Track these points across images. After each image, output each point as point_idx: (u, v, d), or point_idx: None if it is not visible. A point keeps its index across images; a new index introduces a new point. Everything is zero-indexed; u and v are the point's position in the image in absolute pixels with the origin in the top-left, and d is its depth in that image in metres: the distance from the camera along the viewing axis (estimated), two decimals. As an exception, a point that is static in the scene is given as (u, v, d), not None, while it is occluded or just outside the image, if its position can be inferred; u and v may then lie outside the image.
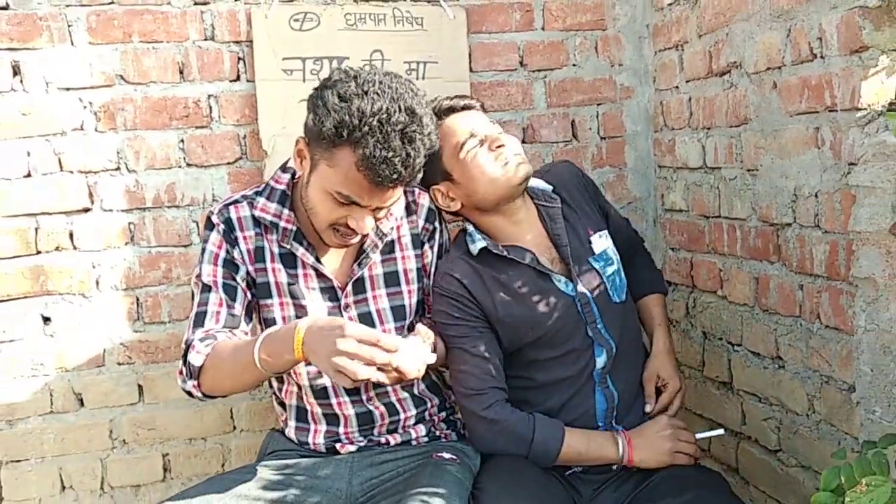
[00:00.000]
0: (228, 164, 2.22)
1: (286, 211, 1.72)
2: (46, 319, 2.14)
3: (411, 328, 1.79)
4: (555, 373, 1.80)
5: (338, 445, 1.77)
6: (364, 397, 1.78)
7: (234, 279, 1.71)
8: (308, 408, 1.79)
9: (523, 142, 2.40)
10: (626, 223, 2.09)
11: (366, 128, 1.49)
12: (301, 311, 1.73)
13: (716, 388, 2.23)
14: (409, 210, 1.84)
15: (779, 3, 1.78)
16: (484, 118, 1.85)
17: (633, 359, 1.88)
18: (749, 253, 2.01)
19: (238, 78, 2.21)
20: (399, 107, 1.52)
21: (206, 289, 1.69)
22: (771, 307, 1.93)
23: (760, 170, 1.92)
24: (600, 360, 1.81)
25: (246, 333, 1.69)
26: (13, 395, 2.13)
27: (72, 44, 2.10)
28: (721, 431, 1.92)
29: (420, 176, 1.64)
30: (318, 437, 1.78)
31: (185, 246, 2.21)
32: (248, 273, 1.72)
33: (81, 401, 2.18)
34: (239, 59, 2.20)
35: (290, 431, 1.82)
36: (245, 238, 1.73)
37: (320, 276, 1.74)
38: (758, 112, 1.91)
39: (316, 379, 1.75)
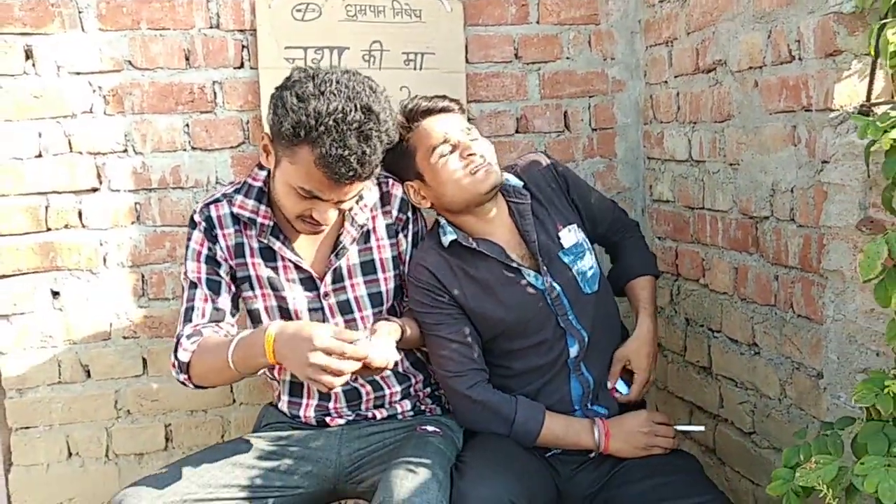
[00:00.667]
0: (231, 147, 2.30)
1: (263, 207, 1.80)
2: (55, 294, 2.23)
3: (392, 312, 1.89)
4: (530, 361, 1.88)
5: (328, 419, 1.87)
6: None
7: (218, 274, 1.81)
8: (300, 382, 1.88)
9: (517, 132, 2.48)
10: (614, 206, 2.12)
11: (322, 128, 1.57)
12: (282, 301, 1.83)
13: (696, 373, 2.32)
14: (384, 201, 1.91)
15: (761, 5, 1.85)
16: (461, 122, 1.89)
17: (608, 345, 1.96)
18: (730, 244, 2.09)
19: (242, 65, 2.28)
20: (355, 105, 1.60)
21: (193, 285, 1.80)
22: (748, 296, 2.02)
23: (741, 164, 2.00)
24: (573, 350, 1.88)
25: (232, 325, 1.81)
26: (23, 366, 2.23)
27: (82, 29, 2.18)
28: (702, 428, 2.03)
29: (377, 171, 1.72)
30: (308, 410, 1.88)
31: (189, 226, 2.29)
32: (230, 268, 1.83)
33: (88, 372, 2.28)
34: (243, 46, 2.28)
35: (283, 405, 1.92)
36: (224, 235, 1.82)
37: (298, 267, 1.83)
38: (740, 109, 1.98)
39: None
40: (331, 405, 1.88)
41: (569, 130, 2.52)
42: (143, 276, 2.28)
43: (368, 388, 1.88)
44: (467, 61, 2.41)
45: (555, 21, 2.46)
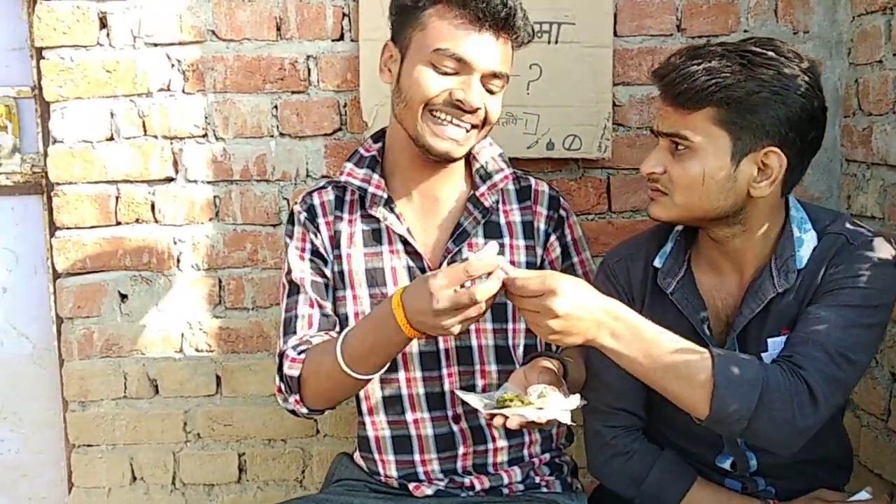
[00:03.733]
0: (325, 135, 1.95)
1: (376, 176, 1.52)
2: (123, 297, 1.97)
3: (512, 334, 1.50)
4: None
5: (412, 485, 1.47)
6: (450, 413, 1.49)
7: (324, 274, 1.51)
8: (370, 433, 1.51)
9: (674, 123, 1.99)
10: None
11: None
12: (381, 299, 1.46)
13: (903, 447, 1.76)
14: (522, 195, 1.58)
15: None
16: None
17: None
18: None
19: (342, 37, 1.93)
20: None
21: (294, 289, 1.50)
22: None
23: None
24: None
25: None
26: (86, 375, 1.99)
27: (163, -7, 1.89)
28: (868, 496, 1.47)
29: (528, 29, 1.44)
30: (389, 468, 1.49)
31: (273, 225, 1.97)
32: (331, 263, 1.50)
33: (156, 387, 2.01)
34: (344, 14, 1.92)
35: (358, 459, 1.55)
36: (327, 223, 1.53)
37: (409, 251, 1.50)
38: None
39: (388, 386, 1.49)
40: (417, 458, 1.49)
41: (742, 123, 2.00)
42: (219, 282, 1.98)
43: (467, 432, 1.49)
44: (616, 34, 1.95)
45: (732, -17, 1.95)
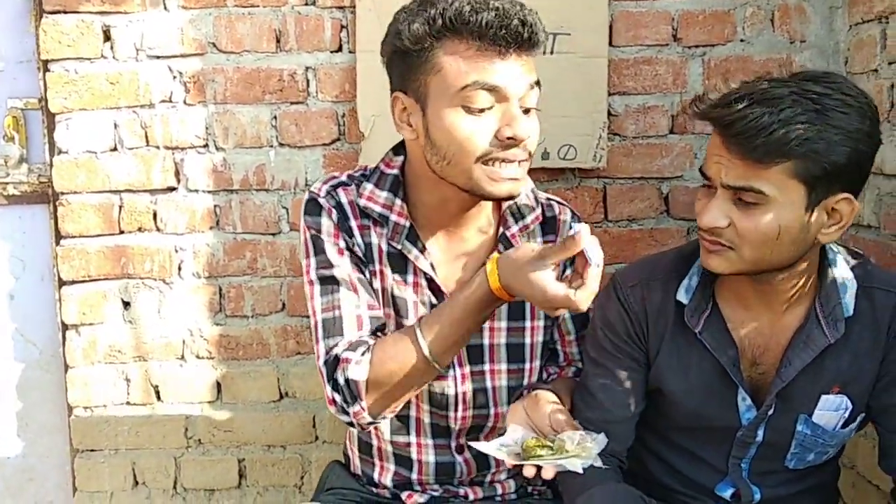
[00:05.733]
0: (324, 145, 1.98)
1: (398, 202, 1.38)
2: (126, 304, 2.01)
3: (527, 373, 1.45)
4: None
5: (404, 494, 1.48)
6: (453, 444, 1.46)
7: (364, 273, 1.38)
8: (374, 442, 1.49)
9: (671, 132, 1.99)
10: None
11: (456, 3, 1.23)
12: (400, 328, 1.39)
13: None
14: (547, 228, 1.47)
15: None
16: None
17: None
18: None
19: (340, 48, 1.95)
20: None
21: (331, 286, 1.35)
22: None
23: None
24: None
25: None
26: (90, 381, 2.02)
27: (164, 7, 1.92)
28: None
29: (545, 37, 1.29)
30: (385, 476, 1.50)
31: (272, 234, 1.99)
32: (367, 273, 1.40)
33: (158, 393, 2.04)
34: (342, 26, 1.94)
35: (355, 460, 1.55)
36: (360, 228, 1.38)
37: (433, 286, 1.39)
38: None
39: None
40: (414, 476, 1.48)
41: (739, 132, 2.00)
42: (220, 290, 2.01)
43: (472, 462, 1.47)
44: (611, 44, 1.95)
45: (728, -8, 1.95)
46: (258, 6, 1.93)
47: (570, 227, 1.21)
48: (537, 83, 1.30)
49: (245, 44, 1.94)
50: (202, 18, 1.93)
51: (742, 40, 1.97)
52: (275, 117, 1.97)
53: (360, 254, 1.38)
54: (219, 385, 2.04)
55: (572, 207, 1.52)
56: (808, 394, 1.31)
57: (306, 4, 1.93)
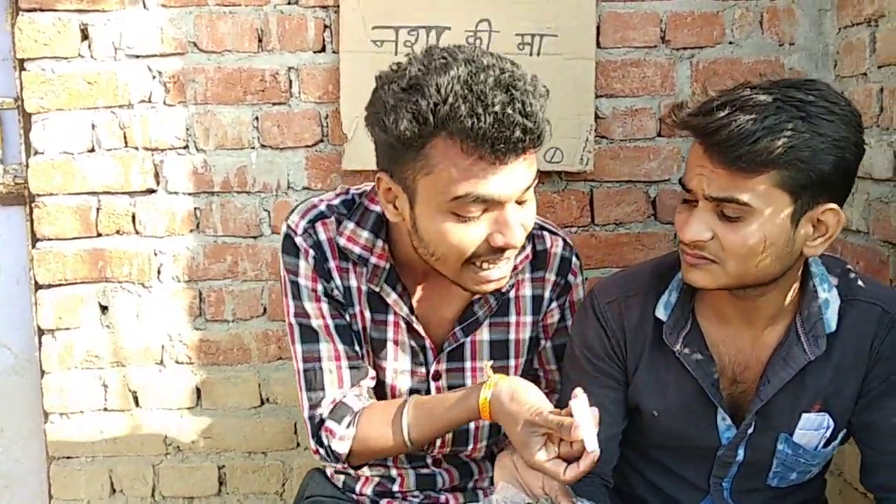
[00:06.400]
0: (307, 147, 1.94)
1: (380, 243, 1.32)
2: (104, 308, 1.97)
3: (512, 370, 1.43)
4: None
5: (384, 502, 1.45)
6: (429, 460, 1.45)
7: (343, 316, 1.35)
8: None
9: (659, 135, 1.97)
10: None
11: (451, 98, 1.09)
12: (380, 371, 1.38)
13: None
14: (537, 263, 1.41)
15: None
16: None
17: None
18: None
19: (323, 48, 1.92)
20: (481, 63, 1.13)
21: (310, 335, 1.33)
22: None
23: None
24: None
25: (373, 381, 1.36)
26: (66, 387, 1.98)
27: (144, 6, 1.89)
28: None
29: (547, 132, 1.15)
30: (366, 487, 1.47)
31: (253, 237, 1.96)
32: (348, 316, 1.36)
33: (136, 399, 2.00)
34: (325, 26, 1.91)
35: (332, 472, 1.52)
36: (339, 269, 1.33)
37: (412, 331, 1.36)
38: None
39: None
40: (395, 487, 1.46)
41: (727, 135, 1.98)
42: (200, 294, 1.97)
43: (454, 472, 1.46)
44: (599, 45, 1.93)
45: (716, -6, 1.93)
46: (240, 5, 1.89)
47: (572, 399, 1.13)
48: (537, 173, 1.20)
49: (226, 43, 1.91)
50: (182, 17, 1.89)
51: (731, 42, 1.95)
52: (256, 118, 1.93)
53: (340, 297, 1.34)
54: (198, 391, 2.00)
55: (565, 236, 1.45)
56: (788, 412, 1.27)
57: (289, 3, 1.90)
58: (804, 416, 1.27)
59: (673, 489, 1.38)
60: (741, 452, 1.31)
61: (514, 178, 1.15)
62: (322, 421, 1.31)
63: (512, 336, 1.41)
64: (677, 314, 1.29)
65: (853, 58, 1.85)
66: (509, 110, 1.09)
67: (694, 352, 1.28)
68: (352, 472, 1.45)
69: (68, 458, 2.01)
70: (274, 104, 1.93)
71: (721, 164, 1.12)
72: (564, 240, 1.44)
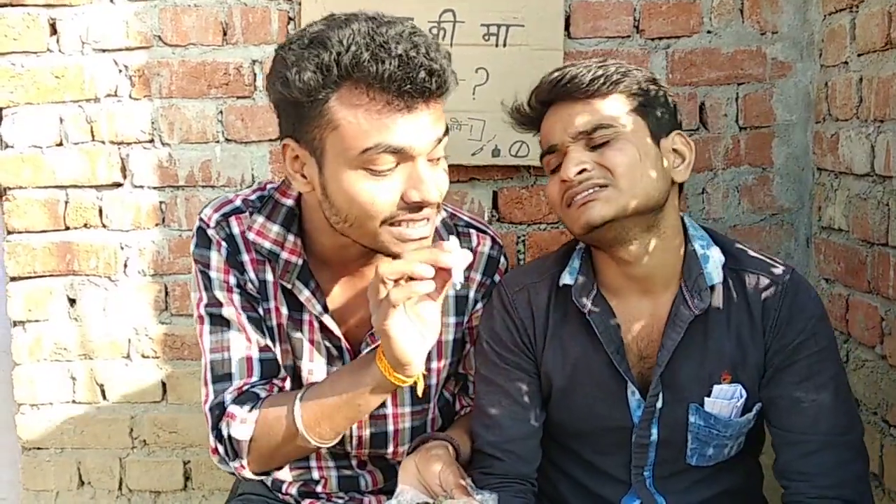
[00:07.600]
0: (271, 141, 1.92)
1: (291, 237, 1.28)
2: (72, 301, 1.98)
3: (435, 372, 1.38)
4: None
5: (306, 502, 1.42)
6: (354, 462, 1.41)
7: (256, 310, 1.30)
8: None
9: (633, 129, 1.89)
10: None
11: (353, 47, 1.07)
12: (298, 371, 1.33)
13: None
14: None
15: None
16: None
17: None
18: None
19: (287, 41, 1.90)
20: (382, 20, 1.13)
21: (221, 324, 1.28)
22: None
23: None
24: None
25: (284, 380, 1.32)
26: (36, 379, 1.99)
27: (110, 0, 1.89)
28: None
29: (453, 81, 1.14)
30: (291, 487, 1.44)
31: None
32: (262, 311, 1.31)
33: (104, 392, 2.00)
34: (289, 19, 1.89)
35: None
36: (252, 262, 1.29)
37: (326, 330, 1.31)
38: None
39: None
40: (319, 489, 1.42)
41: (706, 129, 1.89)
42: (165, 288, 1.97)
43: (378, 475, 1.43)
44: (568, 36, 1.86)
45: (692, -18, 1.84)
46: (204, -3, 1.89)
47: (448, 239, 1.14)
48: (446, 132, 1.18)
49: (191, 37, 1.90)
50: (147, 11, 1.89)
51: (709, 32, 1.87)
52: (221, 112, 1.92)
53: (254, 290, 1.30)
54: (164, 385, 1.99)
55: (494, 234, 1.41)
56: (696, 382, 1.27)
57: (253, -5, 1.89)
58: (716, 387, 1.26)
59: (597, 486, 1.35)
60: (655, 431, 1.29)
61: (422, 126, 1.12)
62: (223, 407, 1.24)
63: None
64: (583, 278, 1.31)
65: (835, 46, 1.75)
66: (413, 53, 1.08)
67: (602, 317, 1.29)
68: (275, 474, 1.41)
69: (38, 449, 2.02)
70: (238, 98, 1.91)
71: (576, 99, 1.24)
72: (493, 238, 1.40)
